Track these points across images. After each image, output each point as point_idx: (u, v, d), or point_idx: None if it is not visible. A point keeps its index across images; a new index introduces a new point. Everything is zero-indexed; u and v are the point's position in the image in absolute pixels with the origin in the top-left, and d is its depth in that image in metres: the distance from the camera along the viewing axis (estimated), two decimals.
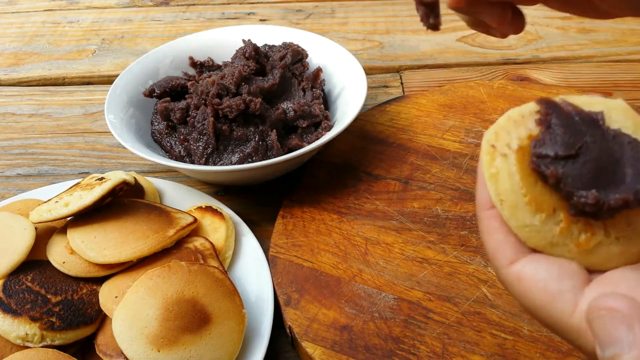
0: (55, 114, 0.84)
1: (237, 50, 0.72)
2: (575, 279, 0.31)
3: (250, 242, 0.59)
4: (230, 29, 0.80)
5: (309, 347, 0.50)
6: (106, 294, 0.51)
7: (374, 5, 1.07)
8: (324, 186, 0.65)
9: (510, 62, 0.90)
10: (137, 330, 0.46)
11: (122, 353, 0.46)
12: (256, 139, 0.64)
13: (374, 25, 1.01)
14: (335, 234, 0.60)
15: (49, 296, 0.50)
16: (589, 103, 0.34)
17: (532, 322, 0.50)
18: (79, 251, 0.52)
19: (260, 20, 1.04)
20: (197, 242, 0.56)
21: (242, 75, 0.66)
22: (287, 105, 0.68)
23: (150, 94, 0.71)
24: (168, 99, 0.69)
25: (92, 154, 0.77)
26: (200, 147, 0.64)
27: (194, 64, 0.76)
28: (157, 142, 0.69)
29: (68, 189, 0.59)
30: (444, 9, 0.49)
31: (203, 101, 0.66)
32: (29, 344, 0.47)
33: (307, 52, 0.74)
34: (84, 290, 0.52)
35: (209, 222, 0.60)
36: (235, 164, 0.63)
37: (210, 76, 0.68)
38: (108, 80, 0.90)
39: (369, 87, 0.70)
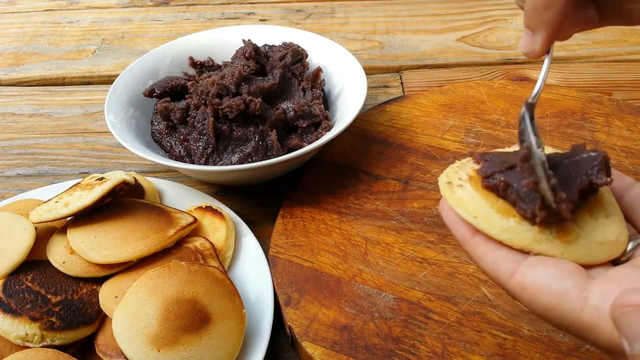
0: (55, 114, 0.84)
1: (237, 50, 0.72)
2: (575, 277, 0.32)
3: (250, 242, 0.59)
4: (230, 29, 0.80)
5: (309, 347, 0.50)
6: (106, 294, 0.51)
7: (374, 5, 1.07)
8: (324, 186, 0.65)
9: (510, 62, 0.90)
10: (137, 330, 0.46)
11: (122, 353, 0.46)
12: (256, 139, 0.64)
13: (374, 25, 1.01)
14: (335, 234, 0.60)
15: (49, 296, 0.50)
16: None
17: (532, 322, 0.50)
18: (79, 251, 0.52)
19: (260, 20, 1.04)
20: (197, 242, 0.56)
21: (242, 75, 0.66)
22: (287, 105, 0.68)
23: (150, 94, 0.71)
24: (168, 99, 0.69)
25: (92, 154, 0.77)
26: (200, 147, 0.64)
27: (194, 64, 0.76)
28: (157, 142, 0.69)
29: (68, 189, 0.59)
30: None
31: (203, 101, 0.66)
32: (29, 344, 0.47)
33: (307, 52, 0.74)
34: (84, 290, 0.52)
35: (209, 222, 0.60)
36: (235, 164, 0.63)
37: (210, 76, 0.68)
38: (108, 80, 0.90)
39: (369, 87, 0.70)
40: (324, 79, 0.73)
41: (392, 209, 0.62)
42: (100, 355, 0.49)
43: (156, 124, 0.70)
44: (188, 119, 0.66)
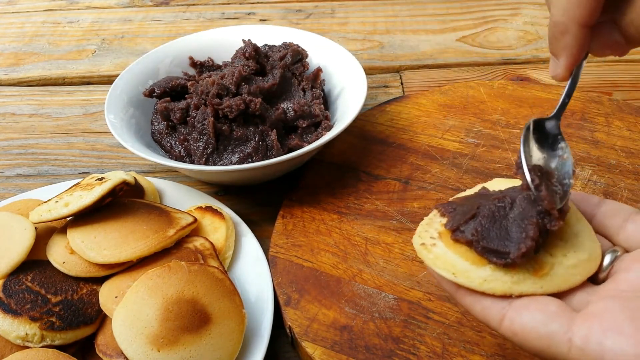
0: (55, 114, 0.84)
1: (237, 50, 0.72)
2: (559, 318, 0.34)
3: (250, 242, 0.59)
4: (230, 29, 0.80)
5: (309, 347, 0.50)
6: (106, 294, 0.51)
7: (374, 5, 1.07)
8: (324, 186, 0.65)
9: (510, 62, 0.90)
10: (137, 330, 0.46)
11: (122, 353, 0.46)
12: (256, 139, 0.64)
13: (374, 25, 1.01)
14: (335, 234, 0.60)
15: (49, 296, 0.50)
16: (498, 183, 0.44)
17: None
18: (79, 251, 0.52)
19: (260, 20, 1.04)
20: (197, 242, 0.56)
21: (242, 75, 0.66)
22: (287, 105, 0.68)
23: (150, 94, 0.70)
24: (168, 99, 0.69)
25: (92, 154, 0.77)
26: (200, 147, 0.64)
27: (194, 64, 0.76)
28: (157, 142, 0.69)
29: (68, 189, 0.59)
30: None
31: (203, 101, 0.66)
32: (29, 344, 0.47)
33: (307, 52, 0.74)
34: (84, 290, 0.52)
35: (209, 222, 0.60)
36: (235, 164, 0.63)
37: (210, 76, 0.68)
38: (108, 80, 0.90)
39: (369, 87, 0.70)
40: (324, 79, 0.73)
41: (392, 209, 0.62)
42: (100, 355, 0.49)
43: (156, 124, 0.70)
44: (188, 119, 0.66)
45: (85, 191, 0.54)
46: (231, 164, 0.63)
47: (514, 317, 0.35)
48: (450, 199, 0.43)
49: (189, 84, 0.69)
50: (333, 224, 0.61)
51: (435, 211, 0.43)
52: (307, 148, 0.61)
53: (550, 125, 0.44)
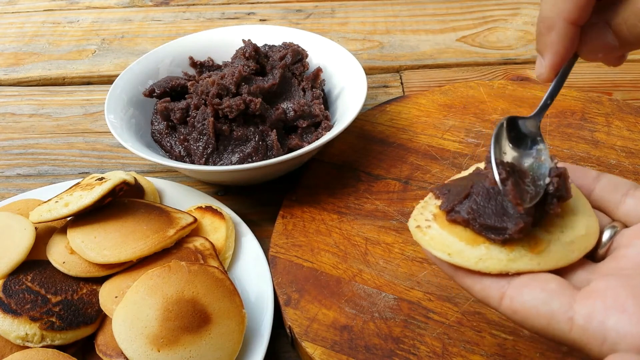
0: (55, 114, 0.84)
1: (237, 50, 0.72)
2: (560, 296, 0.34)
3: (250, 242, 0.59)
4: (230, 29, 0.80)
5: (309, 347, 0.50)
6: (106, 294, 0.51)
7: (374, 5, 1.07)
8: (324, 186, 0.65)
9: (510, 62, 0.90)
10: (137, 330, 0.46)
11: (122, 353, 0.46)
12: (256, 139, 0.64)
13: (374, 25, 1.01)
14: (335, 234, 0.60)
15: (49, 296, 0.50)
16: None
17: None
18: (79, 251, 0.52)
19: (260, 20, 1.04)
20: (197, 242, 0.56)
21: (242, 75, 0.66)
22: (287, 105, 0.68)
23: (150, 94, 0.70)
24: (168, 99, 0.69)
25: (92, 154, 0.77)
26: (200, 147, 0.64)
27: (194, 64, 0.76)
28: (157, 142, 0.69)
29: (68, 189, 0.59)
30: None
31: (203, 101, 0.66)
32: (29, 344, 0.47)
33: (307, 52, 0.74)
34: (84, 290, 0.52)
35: (209, 222, 0.60)
36: (235, 164, 0.63)
37: (210, 76, 0.68)
38: (108, 80, 0.90)
39: (369, 87, 0.70)
40: (324, 79, 0.73)
41: (392, 209, 0.62)
42: (100, 355, 0.49)
43: (156, 124, 0.70)
44: (188, 119, 0.66)
45: (85, 191, 0.54)
46: (231, 164, 0.63)
47: (514, 296, 0.35)
48: (446, 182, 0.43)
49: (189, 84, 0.69)
50: (333, 224, 0.61)
51: (430, 194, 0.42)
52: (307, 148, 0.61)
53: (529, 124, 0.42)
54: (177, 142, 0.68)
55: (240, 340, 0.48)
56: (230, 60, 0.74)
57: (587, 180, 0.41)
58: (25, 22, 1.07)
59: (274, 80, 0.68)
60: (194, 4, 1.10)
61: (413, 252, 0.57)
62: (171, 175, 0.72)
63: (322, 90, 0.73)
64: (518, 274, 0.36)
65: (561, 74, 0.42)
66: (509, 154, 0.40)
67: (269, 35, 0.78)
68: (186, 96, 0.69)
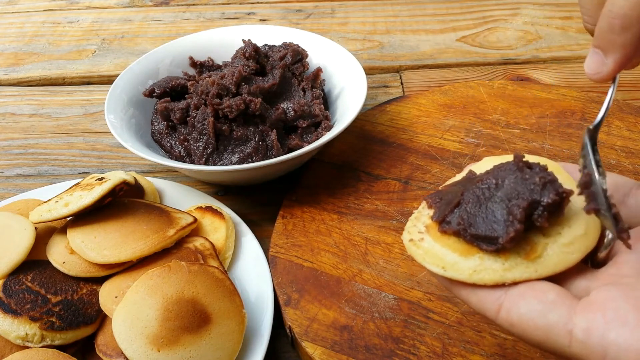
0: (55, 114, 0.84)
1: (237, 50, 0.72)
2: (558, 308, 0.32)
3: (250, 242, 0.59)
4: (230, 29, 0.80)
5: (309, 347, 0.50)
6: (106, 294, 0.51)
7: (374, 5, 1.07)
8: (324, 186, 0.65)
9: (510, 62, 0.90)
10: (137, 330, 0.46)
11: (122, 353, 0.46)
12: (256, 139, 0.64)
13: (374, 25, 1.01)
14: (335, 234, 0.60)
15: (49, 296, 0.50)
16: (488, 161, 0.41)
17: None
18: (79, 251, 0.52)
19: (260, 20, 1.04)
20: (197, 242, 0.56)
21: (242, 75, 0.66)
22: (287, 105, 0.68)
23: (150, 94, 0.70)
24: (168, 99, 0.69)
25: (92, 154, 0.77)
26: (200, 147, 0.64)
27: (194, 64, 0.76)
28: (157, 142, 0.69)
29: (68, 189, 0.59)
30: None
31: (203, 101, 0.66)
32: (29, 344, 0.47)
33: (307, 52, 0.74)
34: (84, 290, 0.52)
35: (209, 222, 0.60)
36: (235, 164, 0.63)
37: (210, 76, 0.68)
38: (108, 80, 0.90)
39: (369, 87, 0.70)
40: (324, 79, 0.73)
41: (392, 209, 0.62)
42: (100, 355, 0.49)
43: (156, 124, 0.70)
44: (188, 119, 0.66)
45: (85, 191, 0.54)
46: (231, 164, 0.63)
47: (511, 307, 0.33)
48: (440, 187, 0.41)
49: (189, 84, 0.69)
50: (333, 224, 0.61)
51: (423, 203, 0.41)
52: (307, 148, 0.61)
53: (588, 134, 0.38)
54: (177, 142, 0.68)
55: (240, 340, 0.48)
56: (230, 60, 0.74)
57: (625, 186, 0.38)
58: (25, 22, 1.07)
59: (274, 80, 0.68)
60: (194, 4, 1.10)
61: None
62: (171, 175, 0.72)
63: (322, 90, 0.73)
64: (515, 283, 0.34)
65: (617, 77, 0.40)
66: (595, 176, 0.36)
67: (269, 35, 0.78)
68: (186, 96, 0.69)
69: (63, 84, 0.91)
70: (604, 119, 0.39)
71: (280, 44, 0.75)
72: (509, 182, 0.36)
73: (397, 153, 0.69)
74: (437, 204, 0.38)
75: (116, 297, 0.50)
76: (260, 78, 0.68)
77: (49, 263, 0.52)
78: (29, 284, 0.50)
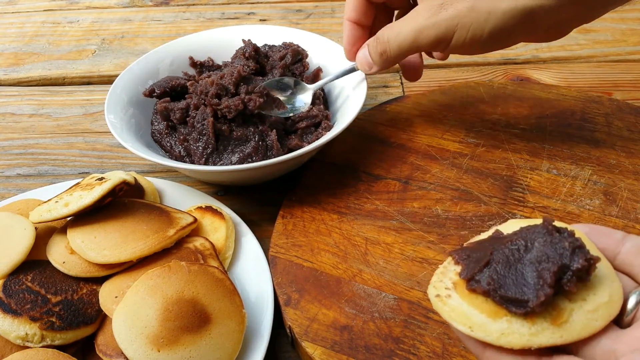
0: (55, 114, 0.84)
1: (237, 50, 0.72)
2: None
3: (250, 242, 0.59)
4: (230, 29, 0.80)
5: (309, 347, 0.50)
6: (106, 294, 0.51)
7: None
8: (324, 186, 0.65)
9: (510, 62, 0.90)
10: (137, 330, 0.46)
11: (122, 353, 0.46)
12: (256, 139, 0.64)
13: None
14: (335, 234, 0.60)
15: (49, 296, 0.50)
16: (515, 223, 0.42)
17: None
18: (79, 251, 0.52)
19: (260, 20, 1.04)
20: (197, 242, 0.56)
21: (242, 75, 0.66)
22: None
23: (150, 94, 0.70)
24: (168, 99, 0.69)
25: (92, 154, 0.77)
26: (200, 147, 0.64)
27: (194, 64, 0.76)
28: (157, 142, 0.69)
29: (68, 189, 0.59)
30: None
31: (203, 101, 0.66)
32: (29, 344, 0.47)
33: (307, 52, 0.74)
34: (84, 290, 0.52)
35: (209, 222, 0.60)
36: (235, 164, 0.63)
37: (209, 76, 0.68)
38: (108, 80, 0.90)
39: (369, 87, 0.70)
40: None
41: (392, 209, 0.62)
42: (100, 355, 0.49)
43: (156, 124, 0.70)
44: (188, 119, 0.66)
45: (85, 191, 0.54)
46: (231, 164, 0.63)
47: None
48: (465, 244, 0.42)
49: (188, 84, 0.69)
50: (333, 224, 0.61)
51: (449, 258, 0.41)
52: (307, 148, 0.61)
53: None
54: (177, 142, 0.68)
55: (240, 340, 0.48)
56: (230, 60, 0.74)
57: (612, 242, 0.39)
58: (25, 22, 1.07)
59: None
60: (194, 4, 1.10)
61: (413, 252, 0.57)
62: (171, 175, 0.72)
63: (322, 90, 0.73)
64: (540, 348, 0.35)
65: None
66: None
67: (269, 35, 0.78)
68: (186, 96, 0.69)
69: (63, 84, 0.91)
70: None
71: (280, 44, 0.75)
72: (539, 245, 0.36)
73: (397, 153, 0.69)
74: (465, 260, 0.39)
75: (116, 297, 0.50)
76: (260, 78, 0.68)
77: (49, 263, 0.52)
78: (29, 284, 0.50)
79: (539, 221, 0.39)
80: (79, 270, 0.52)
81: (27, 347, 0.48)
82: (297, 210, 0.63)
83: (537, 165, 0.66)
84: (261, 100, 0.64)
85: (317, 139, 0.66)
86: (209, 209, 0.61)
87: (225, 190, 0.70)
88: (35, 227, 0.54)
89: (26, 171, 0.75)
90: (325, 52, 0.75)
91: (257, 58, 0.70)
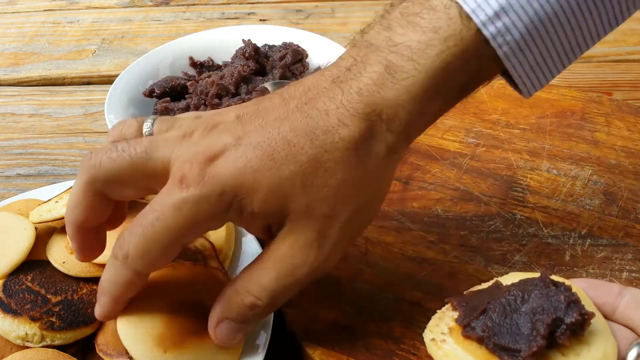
0: (55, 114, 0.84)
1: (237, 50, 0.72)
2: None
3: (250, 242, 0.59)
4: (230, 29, 0.80)
5: (309, 347, 0.50)
6: None
7: (374, 5, 1.06)
8: None
9: None
10: (142, 331, 0.46)
11: (123, 352, 0.46)
12: None
13: None
14: None
15: (49, 296, 0.50)
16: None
17: None
18: None
19: (260, 20, 1.04)
20: (197, 242, 0.56)
21: (242, 76, 0.66)
22: None
23: (150, 94, 0.70)
24: (168, 99, 0.69)
25: None
26: None
27: (194, 64, 0.76)
28: None
29: (68, 189, 0.59)
30: None
31: (203, 101, 0.66)
32: (29, 344, 0.47)
33: (307, 52, 0.74)
34: (84, 290, 0.51)
35: None
36: None
37: (210, 76, 0.68)
38: (108, 80, 0.90)
39: None
40: None
41: (392, 209, 0.62)
42: (101, 354, 0.49)
43: None
44: None
45: None
46: None
47: None
48: (464, 293, 0.43)
49: (188, 84, 0.69)
50: None
51: (448, 305, 0.43)
52: None
53: None
54: None
55: (243, 341, 0.48)
56: (230, 60, 0.74)
57: (610, 296, 0.40)
58: (25, 22, 1.07)
59: (273, 81, 0.68)
60: (194, 4, 1.10)
61: (413, 252, 0.57)
62: None
63: None
64: None
65: None
66: None
67: (269, 35, 0.78)
68: (186, 96, 0.69)
69: (63, 84, 0.91)
70: None
71: (280, 44, 0.75)
72: (535, 297, 0.37)
73: None
74: (463, 307, 0.40)
75: None
76: (260, 78, 0.68)
77: (49, 263, 0.52)
78: (29, 284, 0.50)
79: (537, 274, 0.40)
80: (79, 270, 0.51)
81: (27, 347, 0.47)
82: None
83: (537, 165, 0.66)
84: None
85: None
86: None
87: None
88: (35, 227, 0.54)
89: (26, 171, 0.75)
90: (325, 52, 0.75)
91: (257, 58, 0.70)
